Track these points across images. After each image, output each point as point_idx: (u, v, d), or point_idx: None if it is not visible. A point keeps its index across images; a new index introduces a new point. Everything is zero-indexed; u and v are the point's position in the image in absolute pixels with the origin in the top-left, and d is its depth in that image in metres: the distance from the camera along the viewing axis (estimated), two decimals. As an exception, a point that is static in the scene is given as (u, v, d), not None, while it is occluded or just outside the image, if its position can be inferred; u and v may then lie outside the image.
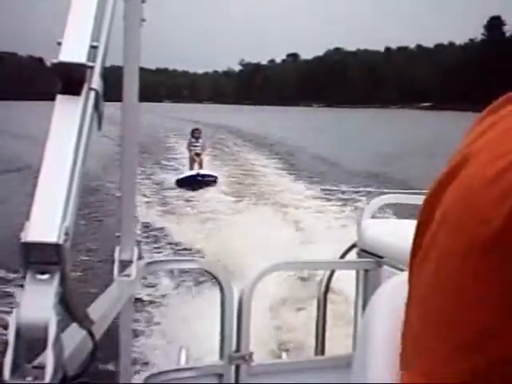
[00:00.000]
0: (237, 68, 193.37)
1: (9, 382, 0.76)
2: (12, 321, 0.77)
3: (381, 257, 2.39)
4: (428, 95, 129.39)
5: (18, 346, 0.76)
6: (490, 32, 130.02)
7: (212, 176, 15.76)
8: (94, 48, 0.96)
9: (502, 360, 0.45)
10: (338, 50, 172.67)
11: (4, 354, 0.75)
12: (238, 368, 2.17)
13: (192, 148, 17.04)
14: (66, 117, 0.91)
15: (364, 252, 2.51)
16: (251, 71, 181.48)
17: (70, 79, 0.94)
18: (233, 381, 2.17)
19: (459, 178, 0.51)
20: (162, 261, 2.30)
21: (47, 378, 0.76)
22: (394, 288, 0.80)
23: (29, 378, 0.78)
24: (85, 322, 0.92)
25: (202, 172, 15.85)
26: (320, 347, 2.56)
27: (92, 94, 0.95)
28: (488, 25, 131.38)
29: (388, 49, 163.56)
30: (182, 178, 15.56)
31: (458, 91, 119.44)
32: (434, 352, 0.50)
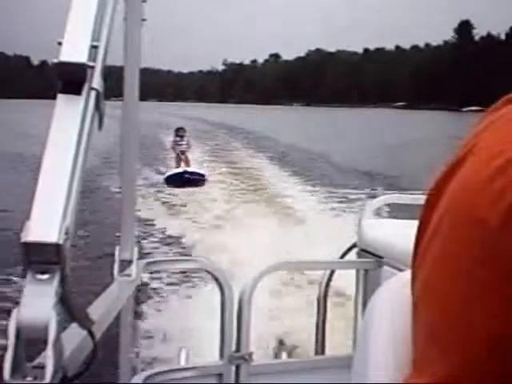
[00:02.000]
0: (220, 68, 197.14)
1: (9, 382, 0.76)
2: (12, 321, 0.77)
3: (381, 257, 2.38)
4: (402, 95, 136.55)
5: (18, 346, 0.76)
6: (460, 35, 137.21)
7: (200, 174, 15.60)
8: (94, 48, 0.96)
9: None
10: (318, 50, 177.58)
11: (4, 354, 0.75)
12: (237, 368, 2.17)
13: (177, 147, 17.03)
14: (66, 116, 0.91)
15: (364, 252, 2.51)
16: (234, 71, 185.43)
17: (70, 79, 0.94)
18: (233, 381, 2.17)
19: (457, 177, 0.52)
20: (162, 261, 2.30)
21: (47, 378, 0.76)
22: (394, 288, 0.80)
23: (29, 378, 0.78)
24: (85, 322, 0.92)
25: (190, 169, 15.77)
26: (320, 347, 2.56)
27: (93, 94, 0.95)
28: (458, 28, 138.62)
29: (366, 50, 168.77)
30: (169, 176, 15.53)
31: (429, 91, 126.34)
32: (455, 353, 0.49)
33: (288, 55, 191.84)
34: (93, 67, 0.95)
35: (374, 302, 0.84)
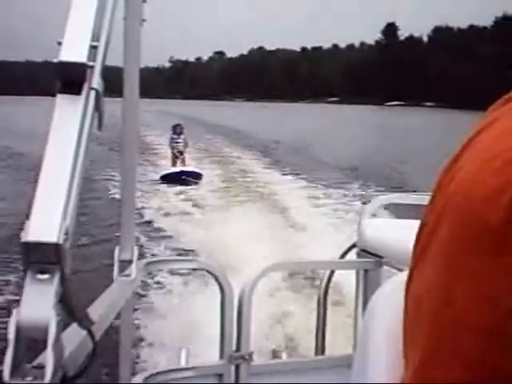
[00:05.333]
0: (167, 65, 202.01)
1: (9, 382, 0.75)
2: (12, 320, 0.77)
3: (381, 257, 2.38)
4: (336, 91, 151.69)
5: (18, 346, 0.76)
6: (386, 36, 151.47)
7: (197, 174, 15.42)
8: (94, 48, 0.96)
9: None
10: (261, 48, 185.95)
11: (4, 354, 0.75)
12: (237, 368, 2.17)
13: (174, 145, 16.57)
14: (66, 116, 0.91)
15: (364, 252, 2.51)
16: (180, 68, 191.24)
17: (70, 79, 0.93)
18: (233, 381, 2.17)
19: (456, 178, 0.52)
20: (161, 260, 2.30)
21: (47, 378, 0.76)
22: (394, 288, 0.80)
23: (28, 378, 0.77)
24: (85, 322, 0.92)
25: (186, 169, 15.57)
26: (320, 347, 2.56)
27: (92, 94, 0.95)
28: (385, 29, 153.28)
29: (304, 49, 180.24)
30: (166, 174, 15.35)
31: (359, 88, 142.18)
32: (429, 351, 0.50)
33: (232, 53, 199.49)
34: (92, 67, 0.95)
35: (374, 302, 0.84)
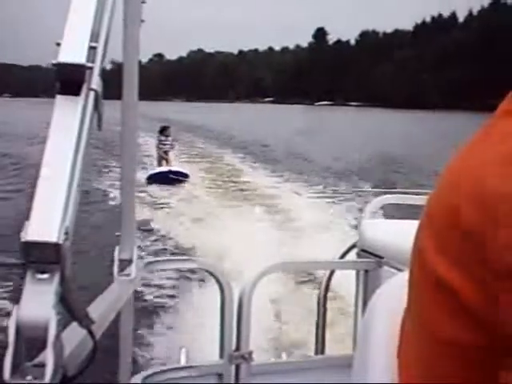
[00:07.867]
0: (108, 66, 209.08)
1: (9, 382, 0.75)
2: (12, 320, 0.77)
3: (381, 257, 2.38)
4: (271, 91, 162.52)
5: (18, 345, 0.76)
6: (317, 40, 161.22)
7: (184, 174, 15.59)
8: (93, 49, 0.96)
9: None
10: (199, 51, 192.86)
11: (4, 353, 0.75)
12: (237, 367, 2.17)
13: (161, 146, 16.73)
14: (65, 117, 0.91)
15: (364, 252, 2.51)
16: (119, 70, 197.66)
17: (69, 80, 0.94)
18: (233, 380, 2.17)
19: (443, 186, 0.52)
20: (162, 260, 2.30)
21: (47, 377, 0.76)
22: (394, 288, 0.80)
23: (29, 377, 0.77)
24: (85, 321, 0.92)
25: (174, 169, 15.70)
26: (320, 347, 2.56)
27: (92, 95, 0.95)
28: (315, 34, 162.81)
29: (241, 51, 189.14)
30: (153, 174, 15.34)
31: (292, 88, 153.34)
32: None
33: (171, 55, 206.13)
34: (91, 68, 0.95)
35: (374, 302, 0.84)
